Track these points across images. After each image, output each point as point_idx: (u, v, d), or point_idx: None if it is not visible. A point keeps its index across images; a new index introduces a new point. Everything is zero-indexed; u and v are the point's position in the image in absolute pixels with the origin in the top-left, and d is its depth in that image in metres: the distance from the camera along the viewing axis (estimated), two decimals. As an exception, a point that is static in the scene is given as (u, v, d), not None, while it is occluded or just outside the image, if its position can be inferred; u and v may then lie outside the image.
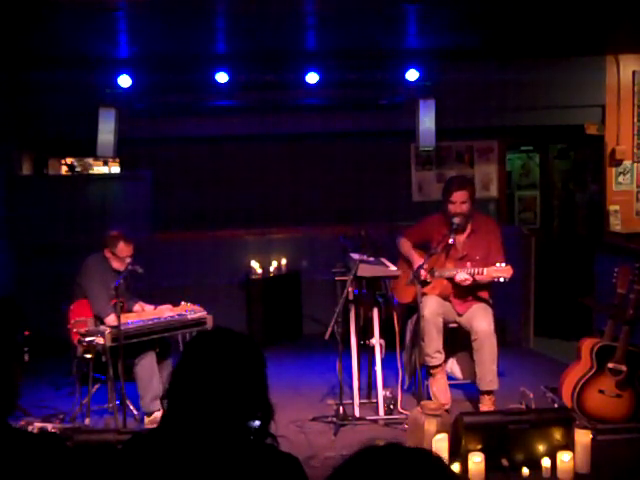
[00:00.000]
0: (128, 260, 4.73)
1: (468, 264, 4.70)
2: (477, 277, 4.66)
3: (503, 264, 4.58)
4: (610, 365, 4.32)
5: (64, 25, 5.26)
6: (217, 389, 1.70)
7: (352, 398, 4.79)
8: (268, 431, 1.77)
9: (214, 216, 7.40)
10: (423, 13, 5.35)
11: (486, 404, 4.69)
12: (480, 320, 4.72)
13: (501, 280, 4.59)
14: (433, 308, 4.74)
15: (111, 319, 4.59)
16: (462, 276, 4.68)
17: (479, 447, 3.75)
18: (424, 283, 4.75)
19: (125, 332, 4.39)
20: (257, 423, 1.76)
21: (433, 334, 4.74)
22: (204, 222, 7.37)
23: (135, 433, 1.89)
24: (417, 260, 4.88)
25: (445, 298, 4.89)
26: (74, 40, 5.73)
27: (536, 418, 3.86)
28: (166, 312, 4.82)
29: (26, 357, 4.38)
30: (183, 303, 4.95)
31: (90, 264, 4.80)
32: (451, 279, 4.81)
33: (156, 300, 5.06)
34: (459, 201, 4.77)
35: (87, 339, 4.48)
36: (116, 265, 4.78)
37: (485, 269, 4.62)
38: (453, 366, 5.18)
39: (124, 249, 4.76)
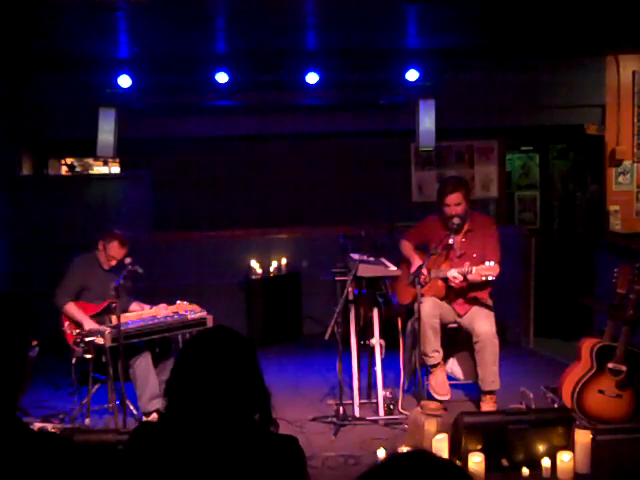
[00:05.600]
0: (113, 262, 4.84)
1: (467, 264, 4.68)
2: (469, 277, 4.64)
3: (492, 262, 4.56)
4: (610, 365, 4.31)
5: (64, 25, 5.26)
6: (215, 383, 1.77)
7: (352, 398, 4.79)
8: (270, 418, 1.86)
9: (214, 216, 7.40)
10: (423, 13, 5.36)
11: (488, 403, 4.69)
12: (482, 322, 4.71)
13: (489, 279, 4.57)
14: (429, 309, 4.73)
15: (67, 308, 4.70)
16: (452, 273, 4.67)
17: (479, 447, 3.75)
18: (423, 284, 4.74)
19: (125, 332, 4.39)
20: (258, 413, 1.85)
21: (430, 335, 4.74)
22: (204, 222, 7.37)
23: (136, 428, 1.93)
24: (417, 262, 4.88)
25: (441, 299, 4.88)
26: (74, 40, 5.73)
27: (536, 418, 3.86)
28: (162, 311, 4.83)
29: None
30: (179, 302, 4.94)
31: (74, 261, 4.92)
32: (446, 280, 4.80)
33: (156, 300, 5.06)
34: (453, 203, 4.77)
35: (87, 339, 4.49)
36: (103, 259, 4.88)
37: (474, 268, 4.60)
38: (453, 366, 5.18)
39: (115, 249, 4.82)
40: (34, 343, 1.80)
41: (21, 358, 1.77)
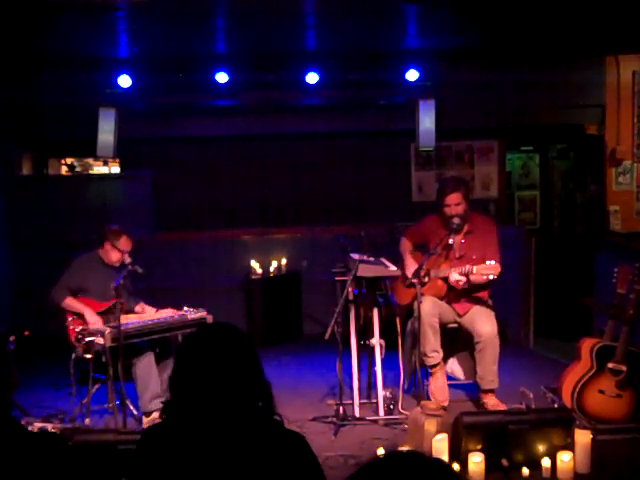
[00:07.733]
0: (126, 256, 4.80)
1: (467, 266, 4.68)
2: (471, 277, 4.64)
3: (492, 262, 4.56)
4: (610, 365, 4.31)
5: (64, 25, 5.25)
6: (216, 379, 1.79)
7: (352, 398, 4.79)
8: (273, 409, 1.87)
9: (214, 216, 7.40)
10: (423, 13, 5.35)
11: (490, 401, 4.70)
12: (484, 323, 4.70)
13: (490, 277, 4.57)
14: (428, 309, 4.73)
15: (67, 301, 4.72)
16: (455, 277, 4.67)
17: (479, 447, 3.75)
18: (423, 284, 4.74)
19: (125, 332, 4.39)
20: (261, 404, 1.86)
21: (429, 335, 4.74)
22: (204, 222, 7.37)
23: (147, 429, 1.94)
24: (410, 263, 4.90)
25: (441, 298, 4.88)
26: (74, 40, 5.73)
27: (536, 418, 3.86)
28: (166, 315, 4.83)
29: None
30: (185, 308, 4.93)
31: (76, 260, 4.94)
32: (446, 279, 4.80)
33: (156, 300, 5.06)
34: (453, 203, 4.77)
35: (87, 339, 4.49)
36: (114, 258, 4.84)
37: (475, 267, 4.60)
38: (454, 366, 5.18)
39: (125, 243, 4.83)
40: (11, 338, 1.81)
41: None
